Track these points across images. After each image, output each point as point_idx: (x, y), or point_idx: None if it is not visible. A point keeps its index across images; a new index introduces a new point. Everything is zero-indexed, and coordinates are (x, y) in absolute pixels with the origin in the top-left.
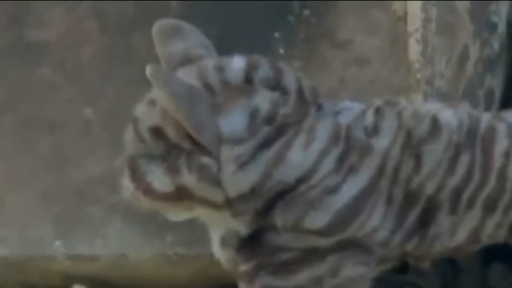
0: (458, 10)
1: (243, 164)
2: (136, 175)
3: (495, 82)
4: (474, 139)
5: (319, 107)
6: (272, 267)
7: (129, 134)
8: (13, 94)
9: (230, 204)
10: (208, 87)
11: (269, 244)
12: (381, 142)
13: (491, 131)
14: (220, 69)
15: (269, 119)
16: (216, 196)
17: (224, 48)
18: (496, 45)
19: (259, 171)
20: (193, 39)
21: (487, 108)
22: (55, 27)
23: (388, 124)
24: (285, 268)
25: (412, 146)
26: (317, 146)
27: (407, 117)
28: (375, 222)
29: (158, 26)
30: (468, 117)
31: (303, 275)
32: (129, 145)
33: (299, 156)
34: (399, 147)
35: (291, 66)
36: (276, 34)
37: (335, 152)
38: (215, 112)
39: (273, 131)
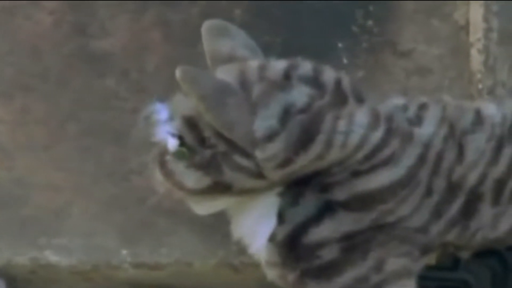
0: None
1: (281, 165)
2: (166, 172)
3: None
4: None
5: (361, 101)
6: (316, 271)
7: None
8: (77, 103)
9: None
10: (245, 84)
11: (307, 244)
12: (423, 131)
13: None
14: (262, 68)
15: (304, 110)
16: (259, 184)
17: (288, 58)
18: None
19: (300, 165)
20: (240, 40)
21: None
22: (119, 37)
23: (431, 115)
24: (329, 270)
25: (455, 137)
26: (358, 130)
27: (451, 109)
28: (406, 212)
29: (207, 24)
30: None
31: (348, 275)
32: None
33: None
34: (442, 137)
35: (354, 76)
36: (340, 44)
37: (375, 136)
38: (250, 109)
39: (308, 119)
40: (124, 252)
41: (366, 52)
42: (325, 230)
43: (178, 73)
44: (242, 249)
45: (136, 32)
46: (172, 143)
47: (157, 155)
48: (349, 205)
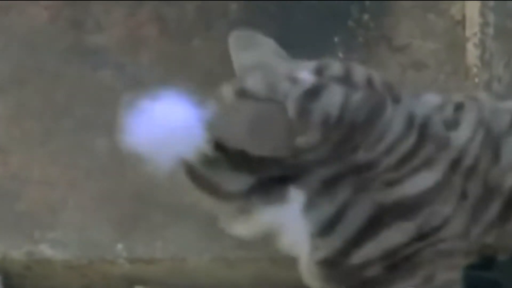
0: None
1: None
2: (197, 180)
3: None
4: None
5: (397, 100)
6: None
7: None
8: (72, 98)
9: None
10: (276, 93)
11: (350, 266)
12: (459, 136)
13: None
14: (291, 72)
15: (340, 119)
16: None
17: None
18: None
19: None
20: (268, 48)
21: None
22: (114, 32)
23: (468, 118)
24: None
25: (491, 140)
26: (389, 136)
27: (486, 111)
28: (448, 214)
29: (234, 36)
30: None
31: None
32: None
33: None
34: (478, 142)
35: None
36: (336, 38)
37: (407, 143)
38: (288, 128)
39: (345, 133)
40: (119, 246)
41: (362, 47)
42: (368, 250)
43: (207, 127)
44: (237, 244)
45: (131, 27)
46: (207, 149)
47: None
48: (392, 212)
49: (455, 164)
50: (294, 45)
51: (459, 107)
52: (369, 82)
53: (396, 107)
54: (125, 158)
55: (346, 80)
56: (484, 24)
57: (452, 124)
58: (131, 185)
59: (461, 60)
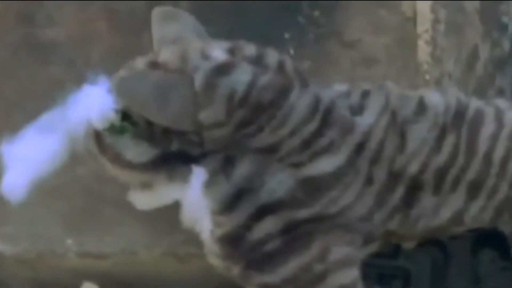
0: (467, 10)
1: (225, 147)
2: (103, 146)
3: (505, 82)
4: (460, 121)
5: (305, 85)
6: (260, 262)
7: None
8: (22, 93)
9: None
10: (186, 63)
11: (251, 241)
12: (364, 121)
13: (479, 115)
14: (205, 47)
15: (246, 97)
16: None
17: None
18: (506, 45)
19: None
20: (189, 25)
21: None
22: (65, 26)
23: (373, 104)
24: (273, 261)
25: (397, 126)
26: (293, 120)
27: (393, 98)
28: (349, 200)
29: (157, 11)
30: (456, 100)
31: (291, 265)
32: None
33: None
34: (383, 127)
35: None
36: (286, 35)
37: (310, 127)
38: (193, 99)
39: (250, 113)
40: (69, 241)
41: (313, 43)
42: (269, 224)
43: (113, 87)
44: (187, 239)
45: (82, 21)
46: (114, 118)
47: (92, 128)
48: (295, 191)
49: (359, 148)
50: (245, 40)
51: (365, 94)
52: (280, 66)
53: (303, 91)
54: (75, 153)
55: (257, 61)
56: (435, 21)
57: (358, 110)
58: (81, 180)
59: (412, 56)
